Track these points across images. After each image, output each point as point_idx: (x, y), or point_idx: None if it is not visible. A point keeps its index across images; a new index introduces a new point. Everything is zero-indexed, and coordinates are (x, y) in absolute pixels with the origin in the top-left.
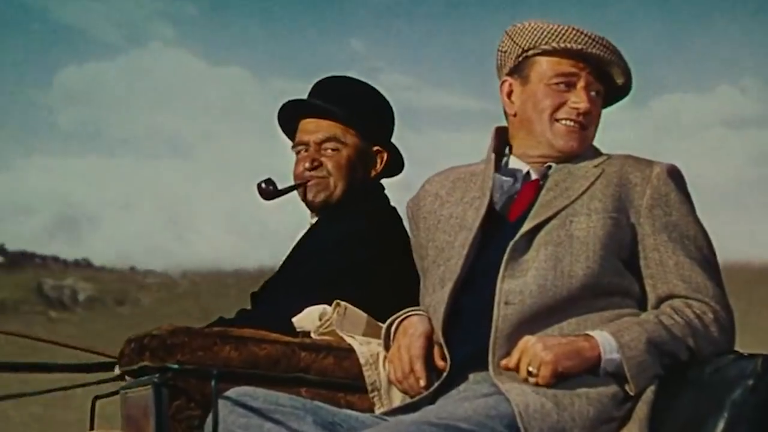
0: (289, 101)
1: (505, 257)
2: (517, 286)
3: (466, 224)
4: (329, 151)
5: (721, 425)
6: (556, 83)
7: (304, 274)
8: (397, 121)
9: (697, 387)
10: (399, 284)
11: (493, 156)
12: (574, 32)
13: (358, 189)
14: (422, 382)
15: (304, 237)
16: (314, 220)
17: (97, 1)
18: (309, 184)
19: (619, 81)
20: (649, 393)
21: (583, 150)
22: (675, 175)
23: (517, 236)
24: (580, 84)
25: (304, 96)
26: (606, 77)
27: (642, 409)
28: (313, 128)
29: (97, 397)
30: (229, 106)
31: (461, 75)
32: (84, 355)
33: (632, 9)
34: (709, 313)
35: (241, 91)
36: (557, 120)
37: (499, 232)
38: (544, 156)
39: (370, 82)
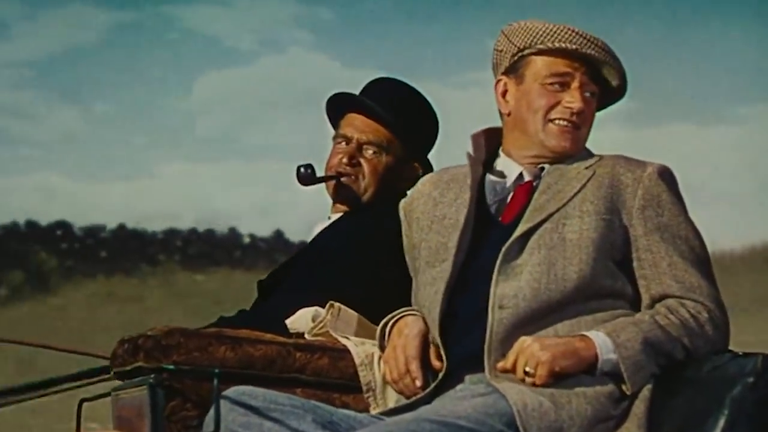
0: (347, 96)
1: (499, 261)
2: (511, 290)
3: (459, 225)
4: (370, 152)
5: (721, 423)
6: (551, 83)
7: (323, 274)
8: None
9: (695, 385)
10: (400, 293)
11: (483, 157)
12: (569, 32)
13: (386, 195)
14: (418, 383)
15: (322, 233)
16: (334, 216)
17: (233, 10)
18: (342, 179)
19: (614, 83)
20: (647, 391)
21: (577, 150)
22: (666, 175)
23: (510, 240)
24: (575, 84)
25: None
26: (601, 79)
27: (639, 408)
28: (361, 126)
29: (83, 400)
30: None
31: None
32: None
33: None
34: (704, 312)
35: None
36: (551, 120)
37: (492, 235)
38: (536, 156)
39: None
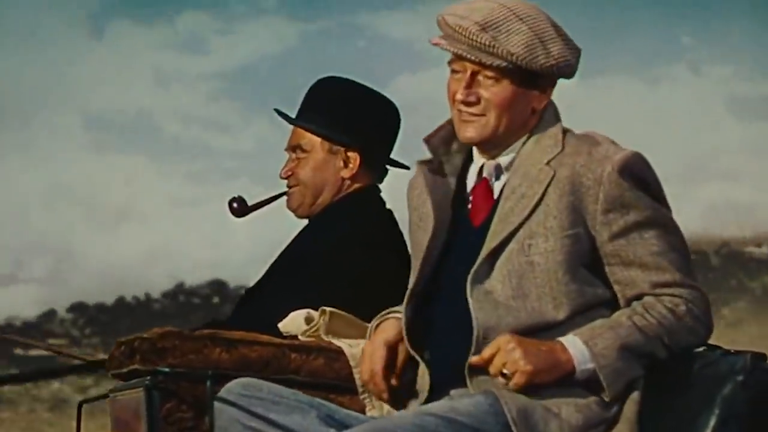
0: (279, 114)
1: (469, 283)
2: (492, 321)
3: (432, 229)
4: (296, 159)
5: (712, 421)
6: (452, 70)
7: (292, 281)
8: (724, 112)
9: (686, 384)
10: (389, 287)
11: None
12: (440, 22)
13: (340, 196)
14: (384, 396)
15: (289, 244)
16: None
17: (422, 14)
18: (288, 193)
19: (496, 63)
20: (637, 392)
21: (487, 138)
22: (627, 170)
23: (478, 262)
24: (467, 71)
25: None
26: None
27: (630, 409)
28: (290, 135)
29: (83, 402)
30: None
31: None
32: None
33: None
34: (681, 305)
35: None
36: (458, 109)
37: (464, 238)
38: (477, 147)
39: (696, 75)
